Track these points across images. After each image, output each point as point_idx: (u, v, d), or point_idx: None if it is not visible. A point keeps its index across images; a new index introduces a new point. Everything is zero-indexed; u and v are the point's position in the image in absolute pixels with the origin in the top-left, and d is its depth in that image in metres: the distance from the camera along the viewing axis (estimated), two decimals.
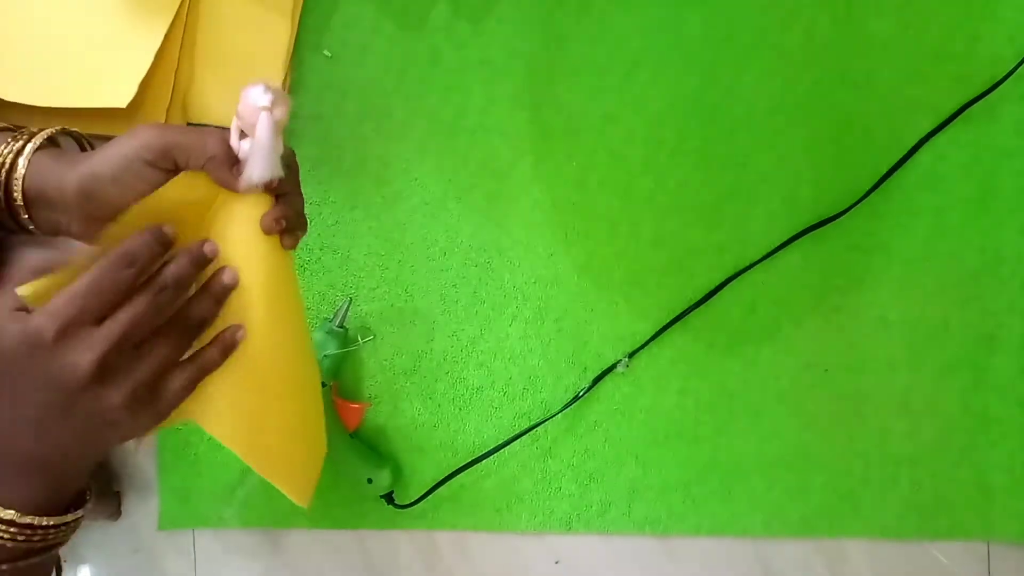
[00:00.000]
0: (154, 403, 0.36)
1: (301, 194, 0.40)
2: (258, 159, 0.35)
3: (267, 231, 0.38)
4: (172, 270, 0.36)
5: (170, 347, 0.36)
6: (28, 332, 0.32)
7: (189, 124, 0.56)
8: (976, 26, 0.57)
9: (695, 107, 0.58)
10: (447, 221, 0.58)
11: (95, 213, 0.37)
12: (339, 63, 0.58)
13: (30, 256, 0.40)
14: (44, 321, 0.32)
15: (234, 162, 0.36)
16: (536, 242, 0.58)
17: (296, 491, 0.42)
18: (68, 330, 0.32)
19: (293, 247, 0.39)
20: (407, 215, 0.58)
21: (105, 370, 0.33)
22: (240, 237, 0.37)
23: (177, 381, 0.36)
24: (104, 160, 0.36)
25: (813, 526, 0.57)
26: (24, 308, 0.33)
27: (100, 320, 0.33)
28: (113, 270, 0.34)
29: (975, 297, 0.57)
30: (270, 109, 0.34)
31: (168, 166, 0.36)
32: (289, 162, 0.38)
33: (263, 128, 0.35)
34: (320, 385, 0.51)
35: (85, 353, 0.33)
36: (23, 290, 0.33)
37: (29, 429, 0.34)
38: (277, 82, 0.57)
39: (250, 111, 0.35)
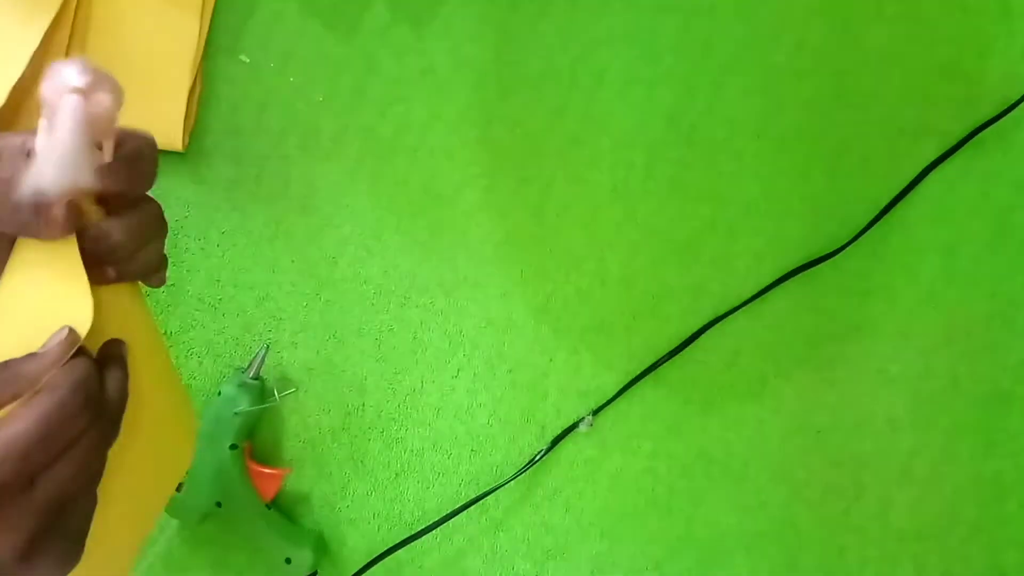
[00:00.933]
0: (75, 551, 0.28)
1: (143, 214, 0.31)
2: (52, 158, 0.26)
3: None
4: (117, 392, 0.28)
5: (94, 484, 0.29)
6: None
7: None
8: (988, 41, 0.54)
9: (669, 127, 0.54)
10: (383, 255, 0.53)
11: None
12: (258, 70, 0.53)
13: None
14: None
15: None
16: (486, 280, 0.54)
17: None
18: None
19: (112, 282, 0.30)
20: (336, 247, 0.53)
21: (33, 548, 0.26)
22: (45, 265, 0.28)
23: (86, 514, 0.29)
24: None
25: None
26: None
27: (33, 480, 0.26)
28: (68, 412, 0.26)
29: (987, 348, 0.54)
30: (84, 92, 0.26)
31: None
32: (127, 170, 0.29)
33: (66, 116, 0.26)
34: (189, 454, 0.42)
35: (12, 534, 0.26)
36: None
37: None
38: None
39: (56, 93, 0.26)
